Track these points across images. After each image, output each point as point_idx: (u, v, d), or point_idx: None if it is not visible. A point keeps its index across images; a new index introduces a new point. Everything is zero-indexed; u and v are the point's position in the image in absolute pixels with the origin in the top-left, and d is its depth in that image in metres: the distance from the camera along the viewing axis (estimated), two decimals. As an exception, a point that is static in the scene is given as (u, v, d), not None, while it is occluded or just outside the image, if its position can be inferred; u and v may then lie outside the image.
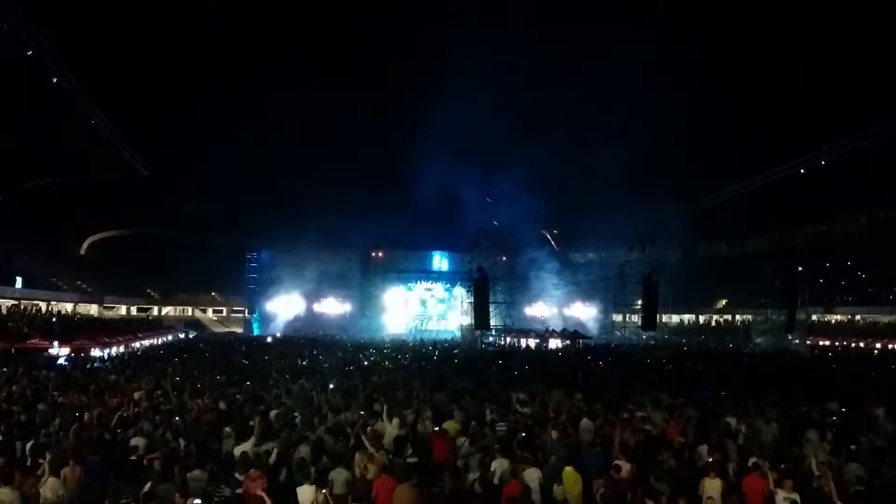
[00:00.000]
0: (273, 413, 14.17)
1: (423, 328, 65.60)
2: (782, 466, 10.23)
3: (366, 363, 29.71)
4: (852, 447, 11.49)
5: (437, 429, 12.88)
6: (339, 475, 9.74)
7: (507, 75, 52.44)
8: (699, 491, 9.45)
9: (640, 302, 51.85)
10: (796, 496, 8.91)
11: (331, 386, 18.83)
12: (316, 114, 59.81)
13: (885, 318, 55.75)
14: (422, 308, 69.44)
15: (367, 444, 10.99)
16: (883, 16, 42.01)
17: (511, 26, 52.04)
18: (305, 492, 9.03)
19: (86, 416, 13.85)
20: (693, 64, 51.21)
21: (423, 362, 30.84)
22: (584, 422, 13.49)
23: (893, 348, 45.47)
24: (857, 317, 59.00)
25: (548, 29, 54.27)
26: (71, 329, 39.18)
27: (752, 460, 10.64)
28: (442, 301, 69.53)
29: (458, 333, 58.06)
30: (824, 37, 45.59)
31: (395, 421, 12.96)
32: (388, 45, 58.10)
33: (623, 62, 47.70)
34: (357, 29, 56.06)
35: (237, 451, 10.70)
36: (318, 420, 13.55)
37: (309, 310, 65.98)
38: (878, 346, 46.80)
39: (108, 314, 60.29)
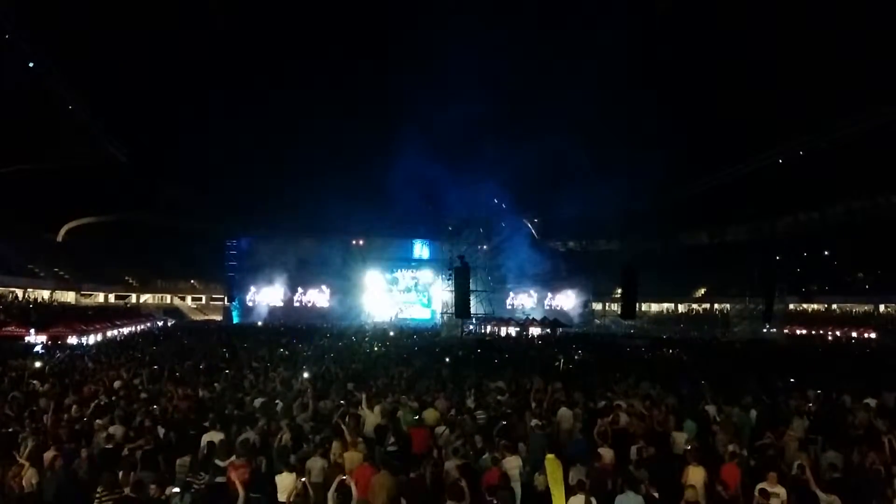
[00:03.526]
0: (253, 401, 14.16)
1: (403, 316, 65.59)
2: (752, 459, 10.33)
3: (345, 351, 29.68)
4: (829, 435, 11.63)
5: (416, 418, 12.88)
6: (315, 463, 9.67)
7: (488, 65, 52.18)
8: (683, 479, 9.48)
9: (619, 291, 52.12)
10: (780, 489, 8.85)
11: (306, 375, 18.74)
12: (297, 101, 59.44)
13: (861, 308, 56.49)
14: (402, 296, 69.43)
15: (346, 432, 10.98)
16: (868, 12, 42.37)
17: (493, 17, 51.82)
18: (285, 480, 9.00)
19: (63, 403, 13.73)
20: (674, 54, 51.35)
21: (403, 350, 30.85)
22: (563, 410, 13.52)
23: (868, 337, 46.10)
24: (834, 306, 59.66)
25: (530, 20, 54.12)
26: (48, 317, 38.83)
27: (731, 448, 10.70)
28: (422, 289, 69.57)
29: (438, 321, 58.07)
30: (802, 28, 45.81)
31: (376, 409, 12.94)
32: (371, 36, 57.67)
33: (605, 53, 47.65)
34: (338, 18, 55.55)
35: (216, 439, 10.65)
36: (297, 408, 13.51)
37: (289, 297, 65.72)
38: (854, 334, 47.41)
39: (86, 302, 59.70)
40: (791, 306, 54.40)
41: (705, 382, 17.99)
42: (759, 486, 8.89)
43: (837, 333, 48.78)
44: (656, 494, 9.01)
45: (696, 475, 9.41)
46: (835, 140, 49.88)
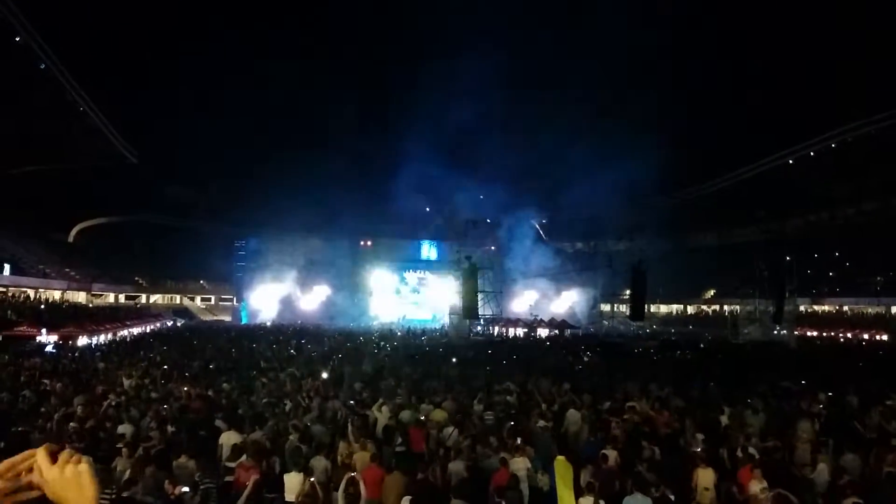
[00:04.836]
0: (261, 401, 14.20)
1: (411, 317, 65.56)
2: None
3: (353, 351, 29.68)
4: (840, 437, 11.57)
5: (421, 418, 12.89)
6: (318, 463, 9.69)
7: (496, 66, 52.28)
8: (693, 481, 9.47)
9: (628, 292, 51.85)
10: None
11: (324, 375, 18.77)
12: (306, 103, 59.68)
13: (872, 309, 56.06)
14: (410, 297, 69.43)
15: (350, 433, 11.00)
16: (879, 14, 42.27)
17: (501, 18, 51.91)
18: (293, 479, 9.01)
19: (73, 403, 13.78)
20: (683, 57, 51.26)
21: (411, 351, 30.84)
22: (571, 411, 13.50)
23: (880, 339, 45.73)
24: (845, 307, 59.22)
25: (539, 20, 54.16)
26: (59, 316, 39.00)
27: (742, 450, 10.66)
28: (429, 290, 69.50)
29: (446, 322, 58.05)
30: (813, 31, 45.68)
31: (385, 409, 12.96)
32: (377, 36, 57.88)
33: (613, 54, 47.64)
34: (345, 19, 55.78)
35: (226, 439, 10.69)
36: (305, 408, 13.54)
37: (297, 298, 65.77)
38: (866, 336, 47.03)
39: (97, 302, 59.91)
40: (801, 308, 54.05)
41: (714, 384, 17.94)
42: (762, 486, 8.90)
43: (849, 335, 48.39)
44: (672, 496, 8.99)
45: (705, 477, 9.40)
46: (845, 140, 49.59)
